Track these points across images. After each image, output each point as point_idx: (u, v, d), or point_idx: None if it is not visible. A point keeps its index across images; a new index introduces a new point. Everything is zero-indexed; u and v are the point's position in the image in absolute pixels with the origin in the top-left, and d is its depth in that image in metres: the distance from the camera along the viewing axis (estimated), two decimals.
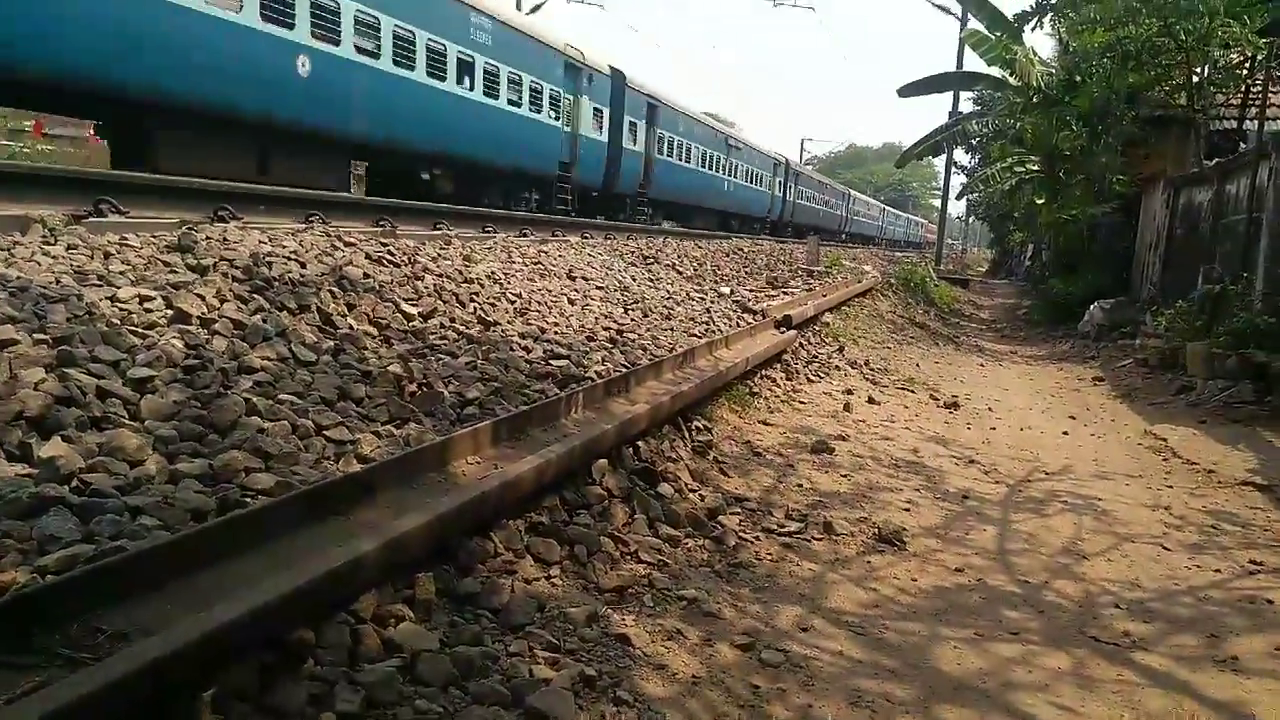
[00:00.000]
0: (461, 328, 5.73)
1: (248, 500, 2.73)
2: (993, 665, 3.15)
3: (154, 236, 5.36)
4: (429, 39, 14.07)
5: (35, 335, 3.43)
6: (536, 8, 27.38)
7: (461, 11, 15.00)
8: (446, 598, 2.74)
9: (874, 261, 24.61)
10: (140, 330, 3.82)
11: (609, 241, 13.31)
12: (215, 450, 3.03)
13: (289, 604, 2.06)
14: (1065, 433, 7.56)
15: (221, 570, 2.23)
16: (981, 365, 12.17)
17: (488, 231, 11.14)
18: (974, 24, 19.86)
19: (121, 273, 4.46)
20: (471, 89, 15.39)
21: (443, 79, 14.46)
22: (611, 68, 21.58)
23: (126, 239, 5.15)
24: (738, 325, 8.61)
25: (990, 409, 8.51)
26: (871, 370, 9.72)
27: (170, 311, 4.11)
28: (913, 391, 8.98)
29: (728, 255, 15.64)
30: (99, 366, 3.34)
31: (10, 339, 3.32)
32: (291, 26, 11.12)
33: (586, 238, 13.20)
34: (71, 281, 4.13)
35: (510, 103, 16.77)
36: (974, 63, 26.33)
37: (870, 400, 8.02)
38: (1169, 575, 4.22)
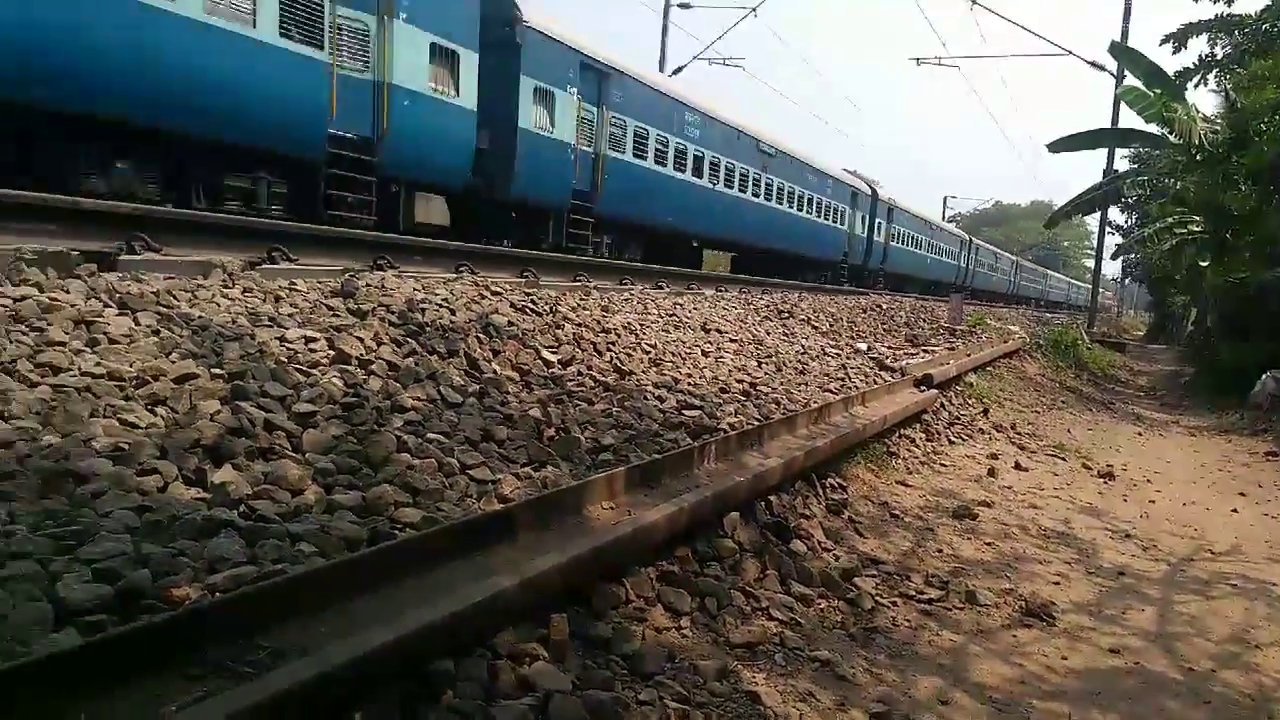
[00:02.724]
0: (598, 375, 5.85)
1: (396, 532, 2.86)
2: None
3: (319, 282, 5.75)
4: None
5: (213, 370, 3.73)
6: (678, 70, 28.05)
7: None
8: (579, 640, 2.77)
9: (1021, 322, 23.68)
10: (305, 369, 4.08)
11: (743, 295, 13.35)
12: (368, 484, 3.20)
13: (432, 634, 2.14)
14: (1234, 510, 7.01)
15: (371, 598, 2.34)
16: (1139, 434, 11.45)
17: (624, 284, 11.37)
18: (1131, 80, 19.06)
19: (290, 315, 4.79)
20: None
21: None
22: None
23: (295, 284, 5.54)
24: (875, 382, 8.43)
25: (1149, 480, 7.98)
26: (1018, 434, 9.31)
27: (332, 352, 4.38)
28: (1063, 459, 8.53)
29: (865, 311, 15.40)
30: (267, 401, 3.59)
31: (191, 373, 3.62)
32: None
33: (721, 291, 13.28)
34: (246, 322, 4.47)
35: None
36: (1129, 119, 25.27)
37: (1017, 466, 7.67)
38: None
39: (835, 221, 27.53)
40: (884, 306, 17.24)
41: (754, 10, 25.97)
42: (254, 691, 1.73)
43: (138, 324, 3.99)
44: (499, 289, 7.12)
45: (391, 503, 3.08)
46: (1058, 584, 4.72)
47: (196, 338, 4.00)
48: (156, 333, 3.96)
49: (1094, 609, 4.40)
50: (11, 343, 3.41)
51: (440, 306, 5.76)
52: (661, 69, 25.81)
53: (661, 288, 11.70)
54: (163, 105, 8.53)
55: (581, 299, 8.08)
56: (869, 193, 30.44)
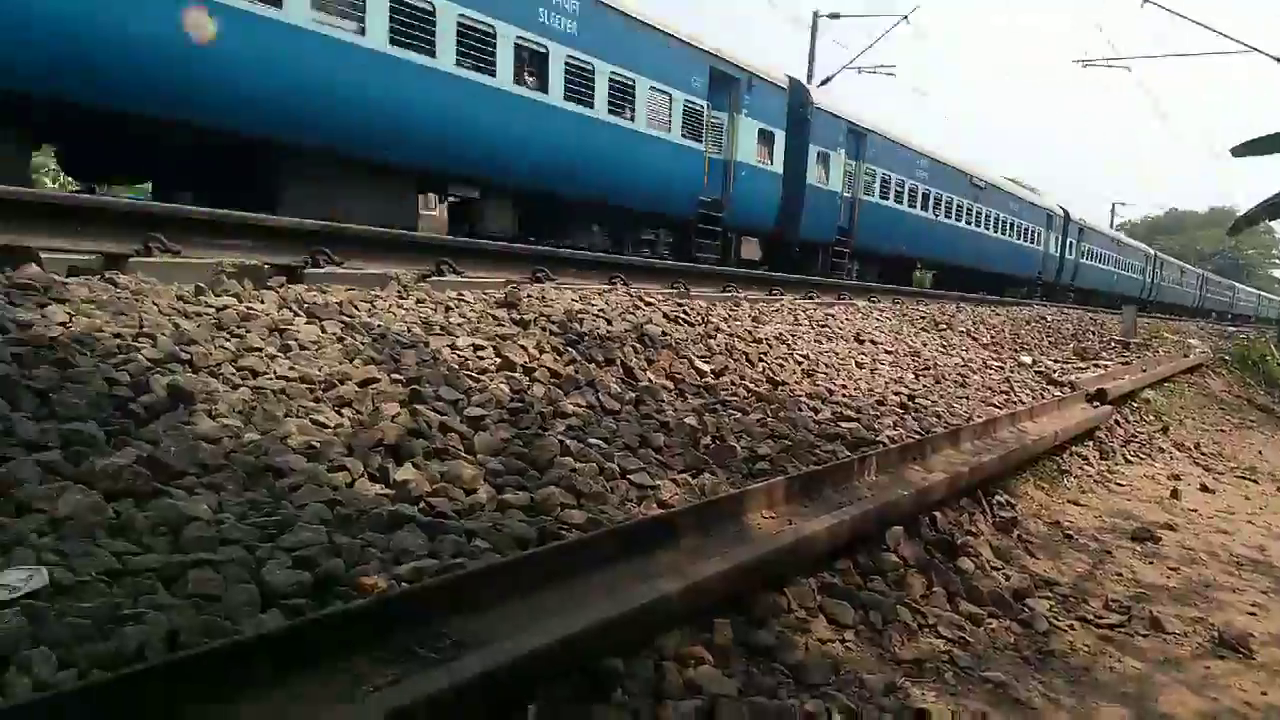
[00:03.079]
0: (751, 385, 5.83)
1: (563, 533, 2.93)
2: None
3: (485, 293, 5.99)
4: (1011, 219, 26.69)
5: (392, 375, 3.94)
6: (826, 80, 27.69)
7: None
8: (742, 646, 2.76)
9: (1200, 335, 22.00)
10: (474, 375, 4.26)
11: (897, 306, 13.00)
12: (535, 485, 3.30)
13: (604, 632, 2.19)
14: None
15: (544, 594, 2.41)
16: None
17: (774, 294, 11.29)
18: None
19: (459, 324, 5.02)
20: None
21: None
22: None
23: (463, 295, 5.80)
24: (1042, 397, 8.04)
25: None
26: (1203, 455, 8.64)
27: (499, 359, 4.55)
28: (1256, 482, 7.86)
29: (1029, 323, 14.70)
30: (441, 405, 3.77)
31: (373, 377, 3.84)
32: None
33: (874, 301, 12.98)
34: (420, 330, 4.71)
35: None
36: None
37: (1203, 488, 7.12)
38: None
39: (1032, 242, 30.92)
40: (1049, 319, 16.41)
41: (905, 17, 25.35)
42: (441, 678, 1.81)
43: (324, 332, 4.27)
44: (652, 300, 7.22)
45: (558, 504, 3.16)
46: (1254, 614, 4.34)
47: (376, 345, 4.25)
48: (341, 340, 4.23)
49: None
50: (216, 348, 3.71)
51: (597, 316, 5.89)
52: (809, 80, 25.50)
53: (811, 298, 11.54)
54: (623, 192, 13.47)
55: (732, 310, 8.08)
56: (1061, 215, 33.55)
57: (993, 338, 11.96)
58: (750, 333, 7.19)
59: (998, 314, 14.96)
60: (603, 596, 2.41)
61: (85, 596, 1.99)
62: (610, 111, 12.91)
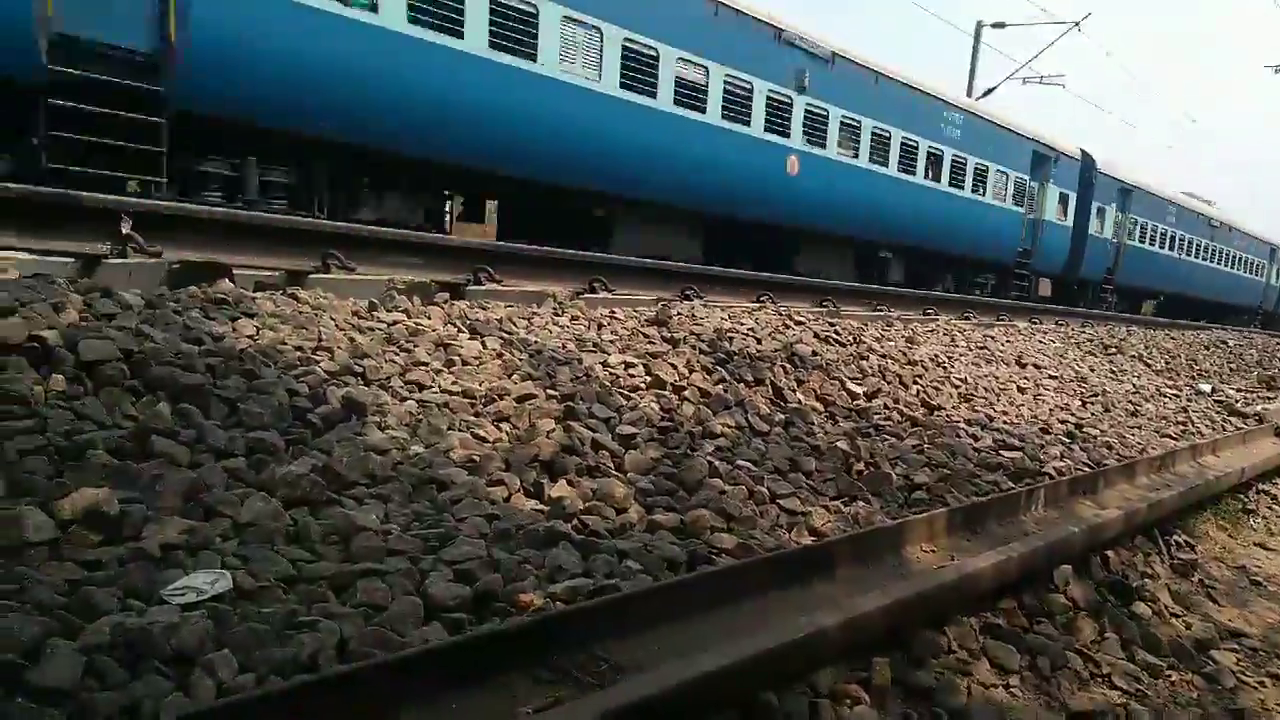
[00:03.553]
0: (905, 409, 5.64)
1: (713, 556, 2.91)
2: None
3: (635, 311, 6.05)
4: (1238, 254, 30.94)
5: (548, 391, 4.03)
6: (989, 91, 26.67)
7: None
8: (900, 686, 2.65)
9: None
10: (625, 392, 4.30)
11: (1061, 328, 12.32)
12: (685, 506, 3.29)
13: (760, 664, 2.14)
14: None
15: (698, 620, 2.39)
16: None
17: (929, 314, 10.92)
18: None
19: (611, 341, 5.09)
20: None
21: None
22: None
23: (614, 313, 5.89)
24: (1224, 428, 7.43)
25: None
26: None
27: (649, 378, 4.58)
28: None
29: (1207, 348, 13.64)
30: (594, 422, 3.82)
31: (530, 393, 3.93)
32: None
33: (1035, 323, 12.34)
34: (574, 348, 4.80)
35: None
36: None
37: None
38: None
39: (1257, 274, 34.91)
40: (1230, 343, 15.17)
41: (1077, 24, 24.13)
42: (599, 702, 1.82)
43: (485, 347, 4.42)
44: (802, 319, 7.11)
45: (707, 526, 3.14)
46: None
47: (533, 360, 4.35)
48: (500, 355, 4.36)
49: None
50: (386, 362, 3.90)
51: (746, 335, 5.85)
52: (969, 92, 24.65)
53: (968, 318, 11.09)
54: (977, 247, 19.38)
55: (884, 330, 7.87)
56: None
57: (1167, 363, 11.17)
58: (904, 354, 6.96)
59: (1172, 338, 13.96)
60: (757, 626, 2.36)
61: (265, 602, 2.11)
62: (973, 190, 18.65)
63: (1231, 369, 12.59)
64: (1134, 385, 8.85)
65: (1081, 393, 7.77)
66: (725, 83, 13.07)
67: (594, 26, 11.22)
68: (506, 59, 10.35)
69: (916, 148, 16.82)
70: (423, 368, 3.93)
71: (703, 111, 12.86)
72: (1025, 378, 7.70)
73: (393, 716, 1.76)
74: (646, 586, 2.39)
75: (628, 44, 11.61)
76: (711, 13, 12.72)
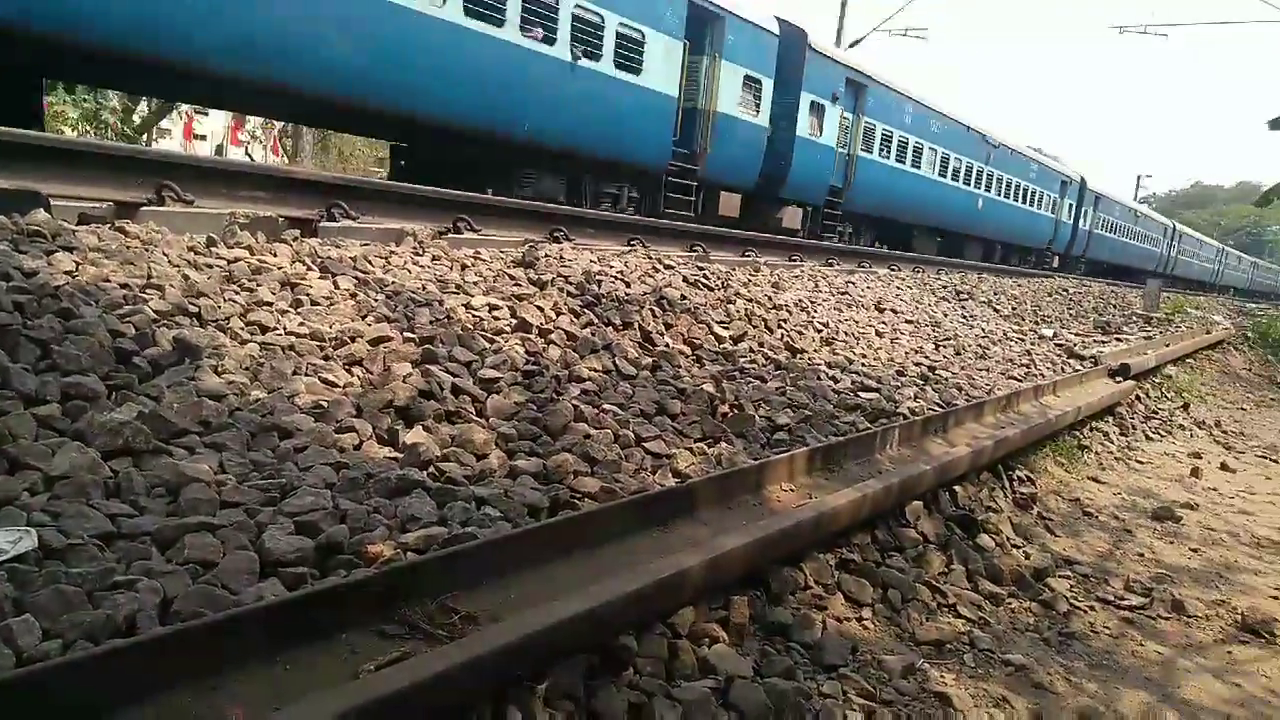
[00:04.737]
0: (770, 353, 5.71)
1: (576, 501, 2.85)
2: None
3: (502, 252, 5.87)
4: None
5: (405, 334, 3.84)
6: (856, 43, 27.13)
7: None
8: (758, 624, 2.68)
9: (1223, 311, 21.67)
10: (489, 335, 4.16)
11: (918, 275, 12.80)
12: (549, 451, 3.21)
13: (618, 609, 2.10)
14: None
15: (557, 566, 2.33)
16: None
17: (794, 260, 11.12)
18: None
19: (475, 283, 4.91)
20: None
21: None
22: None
23: (479, 253, 5.68)
24: (1064, 371, 7.89)
25: None
26: (1224, 433, 8.49)
27: (514, 320, 4.45)
28: (1276, 461, 7.71)
29: (1050, 295, 14.48)
30: (455, 366, 3.68)
31: (385, 336, 3.74)
32: None
33: (894, 270, 12.78)
34: (434, 289, 4.60)
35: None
36: None
37: (1224, 466, 6.99)
38: None
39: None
40: (1070, 291, 16.16)
41: None
42: (448, 655, 1.73)
43: (337, 287, 4.17)
44: (671, 263, 7.08)
45: (571, 471, 3.07)
46: (1277, 598, 4.24)
47: (390, 302, 4.14)
48: (354, 296, 4.13)
49: None
50: (225, 301, 3.62)
51: (615, 279, 5.77)
52: (838, 41, 24.97)
53: (832, 265, 11.35)
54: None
55: (752, 274, 7.94)
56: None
57: (1014, 309, 11.78)
58: (770, 298, 7.05)
59: (1020, 285, 14.74)
60: (618, 570, 2.32)
61: (76, 561, 1.91)
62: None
63: (1071, 315, 13.41)
64: (983, 330, 9.28)
65: (935, 337, 8.08)
66: None
67: None
68: None
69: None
70: (266, 308, 3.67)
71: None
72: (883, 322, 7.94)
73: (218, 680, 1.62)
74: (502, 534, 2.31)
75: None
76: None
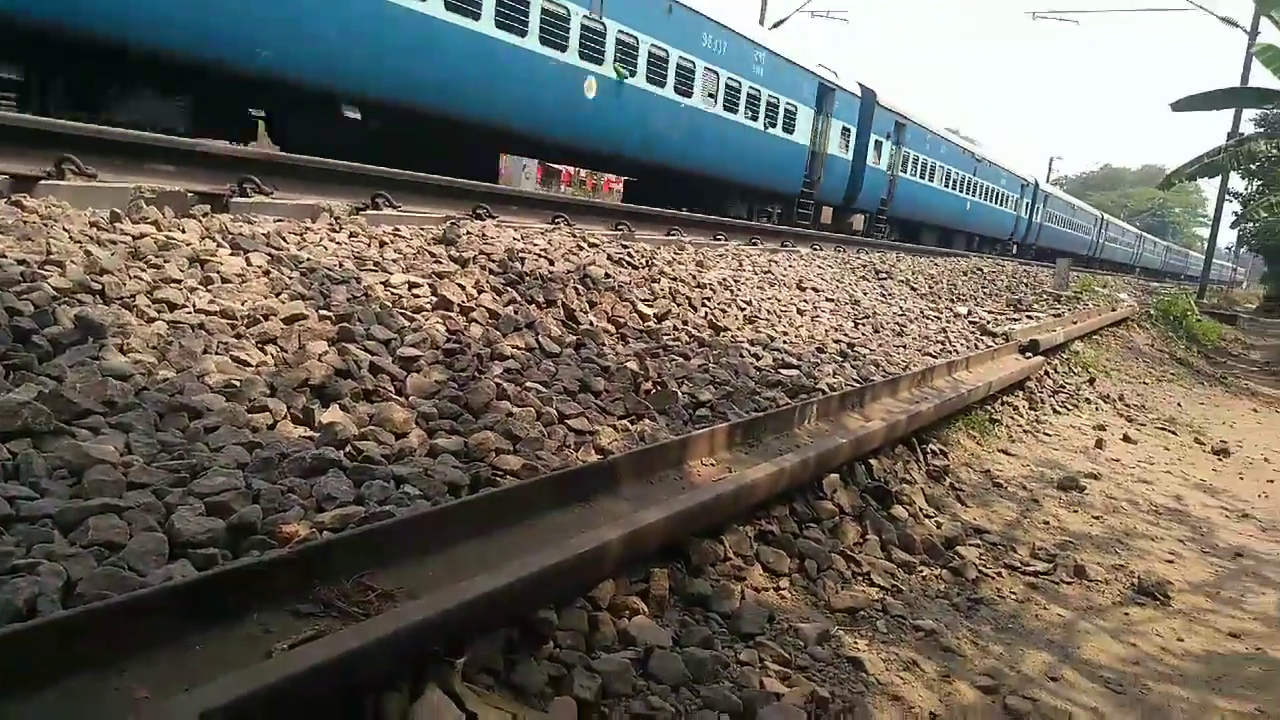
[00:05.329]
0: (694, 331, 5.76)
1: (498, 479, 2.84)
2: None
3: (422, 229, 5.78)
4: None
5: (321, 312, 3.77)
6: (778, 23, 27.34)
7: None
8: (678, 596, 2.73)
9: (1128, 290, 22.61)
10: (409, 313, 4.10)
11: (840, 254, 13.03)
12: (470, 429, 3.19)
13: (537, 583, 2.11)
14: None
15: (477, 543, 2.33)
16: (1254, 411, 10.83)
17: (719, 239, 11.20)
18: (1266, 38, 17.75)
19: (394, 260, 4.83)
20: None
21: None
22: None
23: (399, 230, 5.59)
24: (977, 347, 8.13)
25: (1267, 460, 7.54)
26: (1126, 406, 8.89)
27: (435, 298, 4.39)
28: (1174, 433, 8.12)
29: (965, 274, 14.88)
30: (373, 344, 3.62)
31: (300, 314, 3.66)
32: None
33: (817, 249, 12.97)
34: (352, 266, 4.51)
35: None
36: (1261, 80, 23.58)
37: (1125, 438, 7.33)
38: None
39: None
40: (985, 270, 16.63)
41: None
42: (362, 632, 1.72)
43: (249, 264, 4.06)
44: (596, 240, 7.07)
45: (492, 449, 3.06)
46: (1171, 562, 4.50)
47: (305, 279, 4.05)
48: (267, 273, 4.02)
49: (1211, 590, 4.18)
50: (131, 278, 3.49)
51: (539, 256, 5.74)
52: (761, 21, 25.13)
53: (755, 244, 11.48)
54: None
55: (676, 253, 7.98)
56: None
57: (930, 288, 12.07)
58: (694, 277, 7.10)
59: (936, 264, 15.11)
60: (539, 545, 2.33)
61: None
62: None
63: (985, 293, 13.80)
64: (901, 308, 9.50)
65: (855, 315, 8.25)
66: None
67: None
68: None
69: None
70: (175, 285, 3.55)
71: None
72: (805, 301, 8.07)
73: (124, 663, 1.59)
74: (420, 511, 2.29)
75: None
76: None
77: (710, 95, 15.40)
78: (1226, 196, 32.81)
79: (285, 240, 4.62)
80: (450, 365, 3.72)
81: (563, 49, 11.78)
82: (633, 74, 13.19)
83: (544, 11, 11.36)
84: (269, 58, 8.48)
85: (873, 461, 4.34)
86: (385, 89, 9.74)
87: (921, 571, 3.66)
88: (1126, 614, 3.74)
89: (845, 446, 3.91)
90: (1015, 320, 10.65)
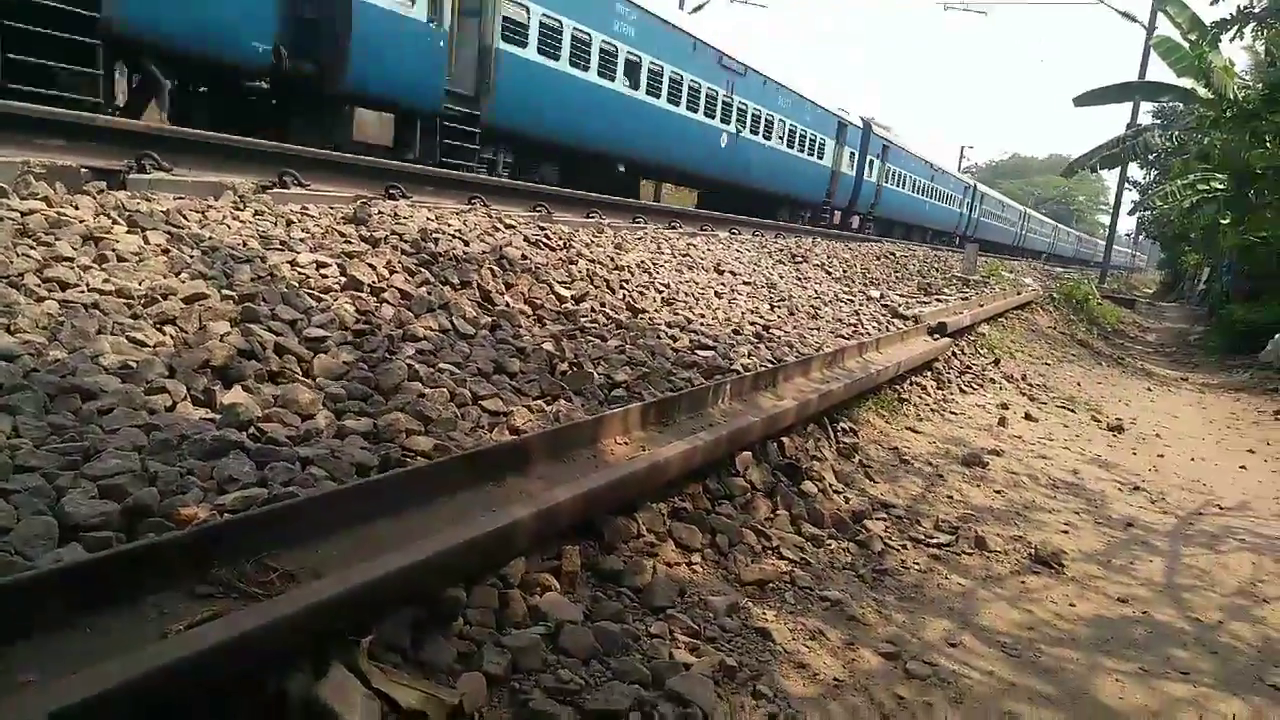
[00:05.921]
0: (611, 313, 5.78)
1: (408, 460, 2.82)
2: (1160, 704, 2.91)
3: (331, 208, 5.65)
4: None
5: (223, 291, 3.66)
6: (698, 8, 27.41)
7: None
8: (590, 572, 2.75)
9: (1034, 275, 23.47)
10: (316, 294, 4.02)
11: (757, 238, 13.19)
12: (380, 411, 3.15)
13: (445, 562, 2.11)
14: (1242, 467, 6.96)
15: (385, 523, 2.31)
16: (1148, 389, 11.38)
17: (638, 222, 11.23)
18: (1162, 31, 18.54)
19: (301, 239, 4.71)
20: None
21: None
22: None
23: (307, 209, 5.45)
24: (888, 329, 8.35)
25: (1158, 435, 7.94)
26: (1029, 385, 9.24)
27: (344, 278, 4.31)
28: (1073, 411, 8.48)
29: (878, 259, 15.23)
30: (278, 324, 3.54)
31: (201, 293, 3.55)
32: None
33: (735, 234, 13.11)
34: (257, 245, 4.39)
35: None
36: (1158, 73, 24.51)
37: (1027, 416, 7.63)
38: None
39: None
40: (897, 255, 17.05)
41: None
42: (261, 612, 1.69)
43: (147, 243, 3.92)
44: (513, 222, 7.02)
45: (403, 430, 3.03)
46: (1067, 533, 4.70)
47: (207, 259, 3.93)
48: (166, 252, 3.89)
49: (1103, 559, 4.38)
50: (19, 256, 3.34)
51: (454, 237, 5.67)
52: (681, 5, 25.15)
53: (675, 228, 11.54)
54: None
55: (595, 236, 7.97)
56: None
57: (845, 272, 12.33)
58: (612, 259, 7.11)
59: (850, 249, 15.42)
60: (449, 524, 2.32)
61: None
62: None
63: (897, 277, 14.16)
64: (816, 291, 9.69)
65: (771, 298, 8.38)
66: None
67: None
68: None
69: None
70: (66, 264, 3.41)
71: None
72: (722, 284, 8.16)
73: (7, 649, 1.53)
74: (325, 491, 2.26)
75: None
76: None
77: (780, 137, 22.03)
78: (1126, 185, 34.26)
79: (186, 218, 4.46)
80: (360, 346, 3.66)
81: (711, 117, 18.59)
82: (743, 128, 19.99)
83: (706, 97, 18.13)
84: None
85: (785, 439, 4.43)
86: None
87: (829, 545, 3.76)
88: (1023, 582, 3.90)
89: (758, 425, 3.98)
90: (925, 304, 10.96)
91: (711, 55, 18.35)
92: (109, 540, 1.98)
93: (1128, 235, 75.80)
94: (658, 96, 16.56)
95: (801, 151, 23.43)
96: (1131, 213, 43.14)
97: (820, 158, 24.81)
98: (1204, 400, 10.96)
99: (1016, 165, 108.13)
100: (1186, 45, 16.52)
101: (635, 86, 15.82)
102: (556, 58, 13.50)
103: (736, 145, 19.77)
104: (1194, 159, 20.10)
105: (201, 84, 9.91)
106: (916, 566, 3.84)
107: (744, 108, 19.89)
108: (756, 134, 20.70)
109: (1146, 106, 29.33)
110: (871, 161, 28.53)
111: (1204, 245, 25.31)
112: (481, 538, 2.23)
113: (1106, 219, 47.03)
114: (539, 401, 3.90)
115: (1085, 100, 20.09)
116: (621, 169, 17.08)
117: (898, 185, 31.74)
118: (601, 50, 14.59)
